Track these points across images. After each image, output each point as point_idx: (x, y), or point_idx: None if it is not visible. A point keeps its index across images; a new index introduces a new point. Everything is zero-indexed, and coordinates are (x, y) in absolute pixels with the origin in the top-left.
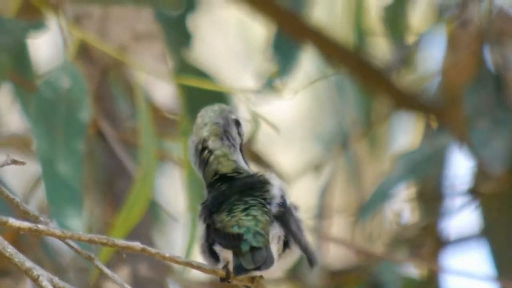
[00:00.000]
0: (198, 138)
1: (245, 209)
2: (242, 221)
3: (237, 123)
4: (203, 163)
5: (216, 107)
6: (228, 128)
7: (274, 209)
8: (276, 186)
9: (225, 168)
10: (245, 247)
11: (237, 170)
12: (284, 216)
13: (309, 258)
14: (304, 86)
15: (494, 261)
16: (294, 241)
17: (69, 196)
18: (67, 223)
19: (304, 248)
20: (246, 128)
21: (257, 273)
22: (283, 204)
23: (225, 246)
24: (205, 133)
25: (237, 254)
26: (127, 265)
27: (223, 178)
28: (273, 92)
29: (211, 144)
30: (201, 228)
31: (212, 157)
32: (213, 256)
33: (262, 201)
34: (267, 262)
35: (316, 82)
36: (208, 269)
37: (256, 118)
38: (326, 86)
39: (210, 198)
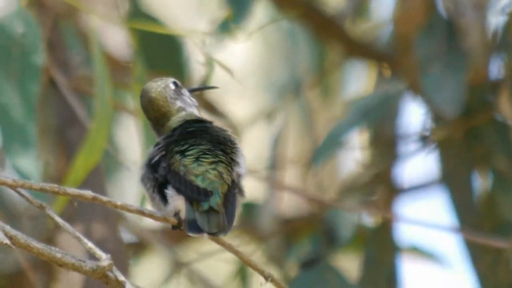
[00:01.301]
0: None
1: (213, 162)
2: (208, 174)
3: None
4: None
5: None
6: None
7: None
8: (243, 156)
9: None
10: (204, 205)
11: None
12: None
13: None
14: (256, 30)
15: (453, 208)
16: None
17: (24, 142)
18: (21, 170)
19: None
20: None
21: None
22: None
23: (185, 195)
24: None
25: (192, 205)
26: (80, 216)
27: (191, 122)
28: (226, 36)
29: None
30: (150, 160)
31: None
32: (160, 194)
33: (230, 160)
34: (221, 230)
35: (267, 26)
36: (159, 217)
37: (210, 62)
38: (278, 34)
39: (176, 134)
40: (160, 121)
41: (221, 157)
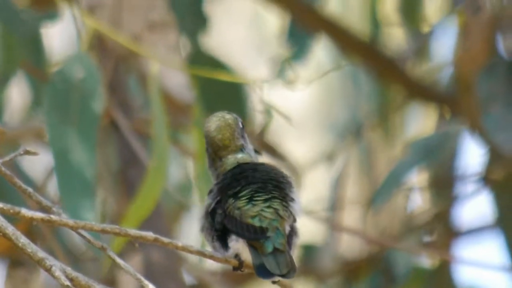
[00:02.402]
0: (211, 139)
1: (267, 200)
2: (264, 213)
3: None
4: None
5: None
6: (238, 129)
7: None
8: (297, 199)
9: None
10: (268, 247)
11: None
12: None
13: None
14: (317, 77)
15: (508, 251)
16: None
17: (82, 187)
18: (80, 214)
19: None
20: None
21: (280, 279)
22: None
23: (243, 238)
24: (215, 133)
25: (256, 249)
26: (140, 254)
27: (243, 164)
28: (286, 82)
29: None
30: (207, 209)
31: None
32: (220, 241)
33: (284, 195)
34: (291, 270)
35: (329, 72)
36: (220, 258)
37: (269, 109)
38: (339, 76)
39: (228, 177)
40: (218, 154)
41: (274, 193)
